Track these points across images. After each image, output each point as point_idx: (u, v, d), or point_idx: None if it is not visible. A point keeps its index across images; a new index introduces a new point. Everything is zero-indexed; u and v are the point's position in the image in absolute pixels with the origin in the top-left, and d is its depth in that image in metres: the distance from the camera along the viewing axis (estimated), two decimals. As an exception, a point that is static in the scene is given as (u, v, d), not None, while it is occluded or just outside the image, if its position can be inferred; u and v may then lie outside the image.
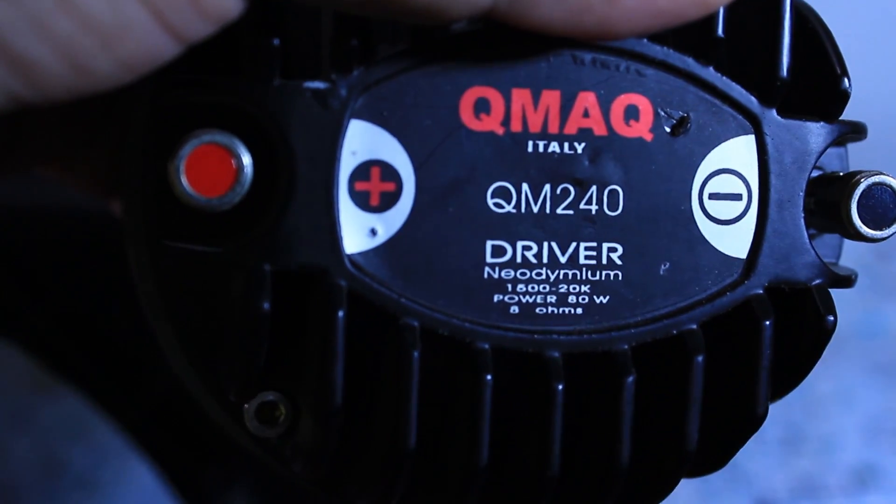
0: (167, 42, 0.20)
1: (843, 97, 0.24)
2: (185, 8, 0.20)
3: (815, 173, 0.25)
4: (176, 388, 0.42)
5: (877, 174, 0.24)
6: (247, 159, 0.22)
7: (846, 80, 0.24)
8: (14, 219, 0.41)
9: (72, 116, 0.29)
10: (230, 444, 0.34)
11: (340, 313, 0.22)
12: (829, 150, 0.26)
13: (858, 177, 0.24)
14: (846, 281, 0.25)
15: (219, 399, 0.25)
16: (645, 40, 0.23)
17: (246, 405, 0.24)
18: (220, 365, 0.24)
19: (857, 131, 0.25)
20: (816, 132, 0.24)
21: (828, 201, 0.25)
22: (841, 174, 0.25)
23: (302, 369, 0.24)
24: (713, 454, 0.24)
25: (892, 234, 0.25)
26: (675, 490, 0.25)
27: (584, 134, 0.23)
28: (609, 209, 0.24)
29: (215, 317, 0.23)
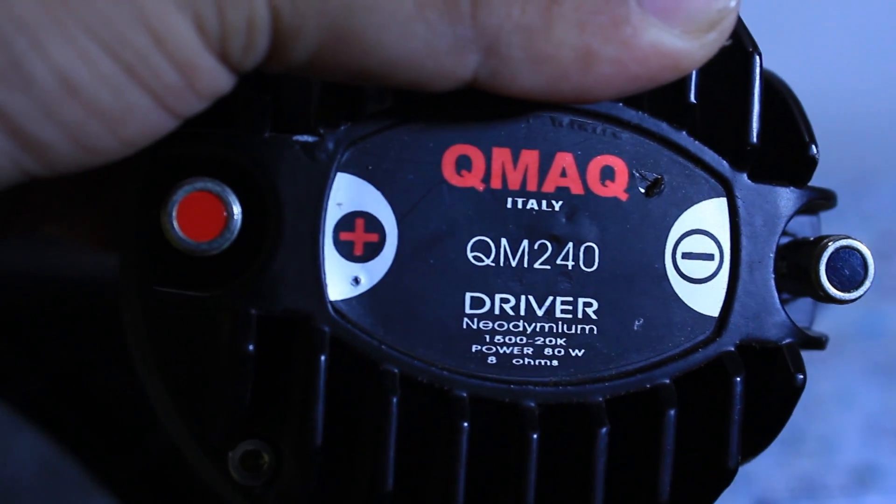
0: (166, 120, 0.21)
1: (811, 163, 0.25)
2: (183, 91, 0.21)
3: (787, 239, 0.26)
4: (168, 454, 0.42)
5: (844, 238, 0.25)
6: (236, 207, 0.23)
7: (814, 146, 0.25)
8: (12, 284, 0.42)
9: (76, 178, 0.30)
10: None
11: (322, 357, 0.23)
12: (801, 219, 0.27)
13: (826, 241, 0.25)
14: (817, 342, 0.26)
15: (203, 447, 0.25)
16: (620, 104, 0.25)
17: (230, 453, 0.25)
18: (206, 409, 0.24)
19: (826, 198, 0.26)
20: (786, 196, 0.25)
21: (798, 265, 0.26)
22: (811, 238, 0.26)
23: (285, 414, 0.24)
24: (685, 508, 0.25)
25: (861, 296, 0.25)
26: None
27: (561, 192, 0.24)
28: (585, 265, 0.25)
29: (202, 361, 0.24)
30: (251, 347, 0.23)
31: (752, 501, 0.43)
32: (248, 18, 0.20)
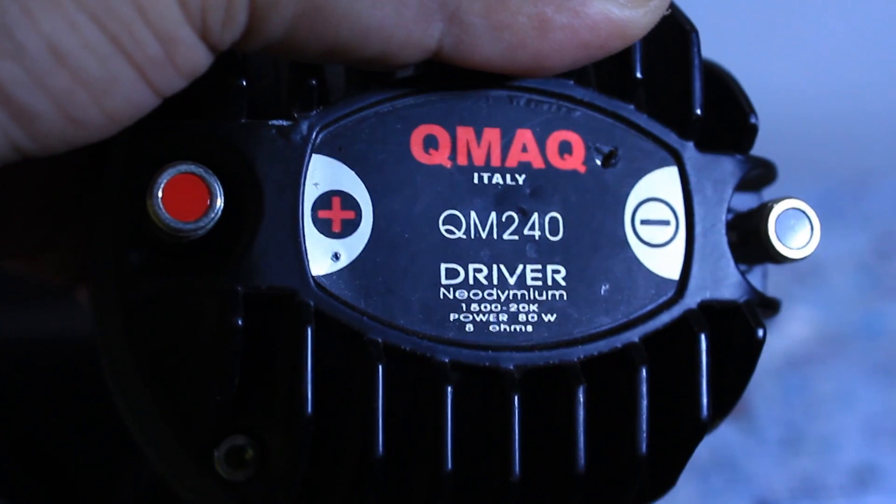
0: (148, 96, 0.22)
1: (753, 131, 0.27)
2: (164, 64, 0.22)
3: (733, 215, 0.28)
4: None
5: (788, 198, 0.27)
6: (219, 187, 0.24)
7: (753, 116, 0.27)
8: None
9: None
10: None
11: (309, 328, 0.24)
12: (745, 197, 0.29)
13: (771, 203, 0.27)
14: (772, 303, 0.28)
15: (188, 447, 0.25)
16: (571, 82, 0.26)
17: (215, 451, 0.25)
18: (193, 401, 0.25)
19: (767, 167, 0.28)
20: (731, 163, 0.27)
21: (748, 231, 0.27)
22: (756, 206, 0.28)
23: (270, 398, 0.25)
24: (665, 462, 0.26)
25: (811, 253, 0.27)
26: (674, 491, 0.26)
27: (523, 167, 0.26)
28: (551, 234, 0.26)
29: (187, 350, 0.25)
30: (240, 321, 0.24)
31: (752, 501, 0.43)
32: None
